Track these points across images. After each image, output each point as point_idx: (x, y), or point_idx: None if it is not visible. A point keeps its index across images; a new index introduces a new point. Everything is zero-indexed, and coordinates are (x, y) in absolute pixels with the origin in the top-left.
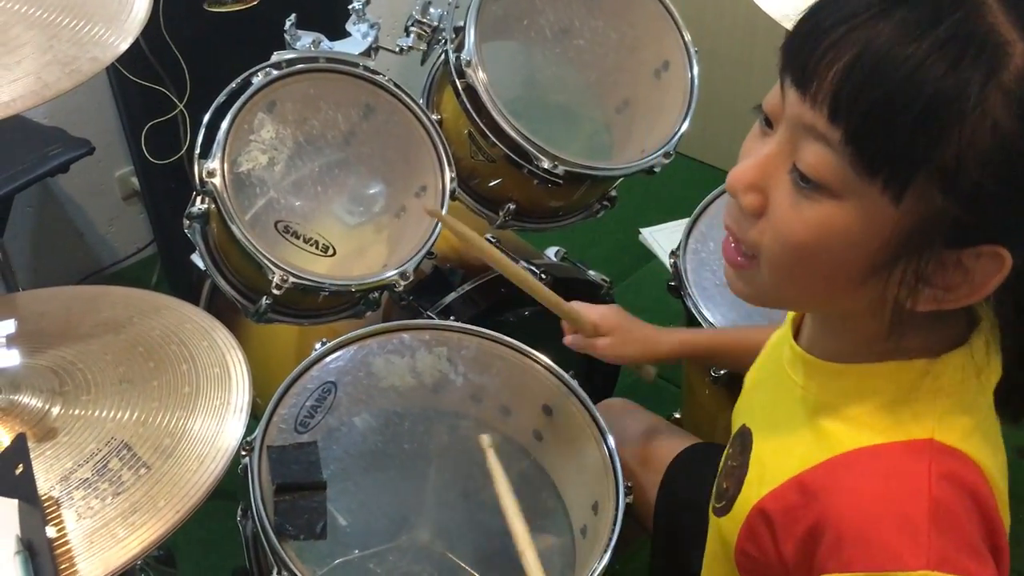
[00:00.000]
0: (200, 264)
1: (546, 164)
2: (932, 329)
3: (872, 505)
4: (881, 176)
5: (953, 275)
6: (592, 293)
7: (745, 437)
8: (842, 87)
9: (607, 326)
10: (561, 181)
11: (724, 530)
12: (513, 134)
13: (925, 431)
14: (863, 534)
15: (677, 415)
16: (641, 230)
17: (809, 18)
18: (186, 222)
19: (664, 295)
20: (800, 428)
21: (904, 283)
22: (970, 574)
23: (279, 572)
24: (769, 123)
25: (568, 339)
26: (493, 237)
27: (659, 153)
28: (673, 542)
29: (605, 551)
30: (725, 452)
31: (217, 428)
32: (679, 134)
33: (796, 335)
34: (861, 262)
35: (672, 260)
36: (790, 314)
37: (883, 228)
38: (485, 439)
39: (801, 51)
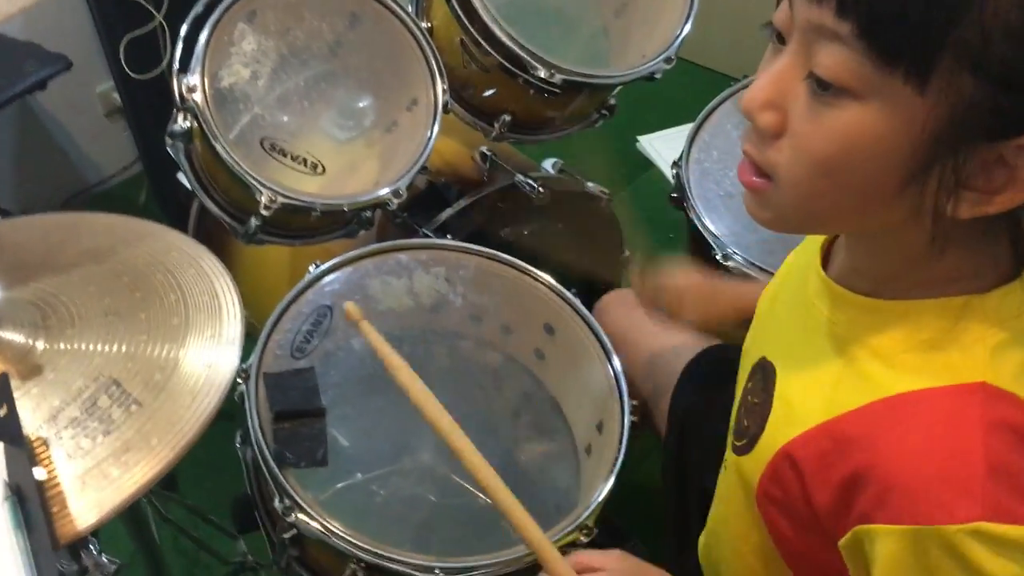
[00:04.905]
0: (186, 184)
1: (542, 73)
2: (977, 260)
3: (922, 457)
4: (901, 64)
5: (995, 174)
6: (590, 204)
7: (767, 371)
8: None
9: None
10: (558, 90)
11: (745, 470)
12: (507, 41)
13: (976, 373)
14: (913, 487)
15: None
16: (639, 138)
17: None
18: (168, 140)
19: (663, 205)
20: (831, 366)
21: (943, 187)
22: None
23: (280, 500)
24: (781, 39)
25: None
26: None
27: (660, 58)
28: (684, 461)
29: (611, 473)
30: (743, 385)
31: (210, 360)
32: (680, 38)
33: (824, 264)
34: (894, 170)
35: (675, 171)
36: (815, 237)
37: (913, 126)
38: (352, 309)
39: None
